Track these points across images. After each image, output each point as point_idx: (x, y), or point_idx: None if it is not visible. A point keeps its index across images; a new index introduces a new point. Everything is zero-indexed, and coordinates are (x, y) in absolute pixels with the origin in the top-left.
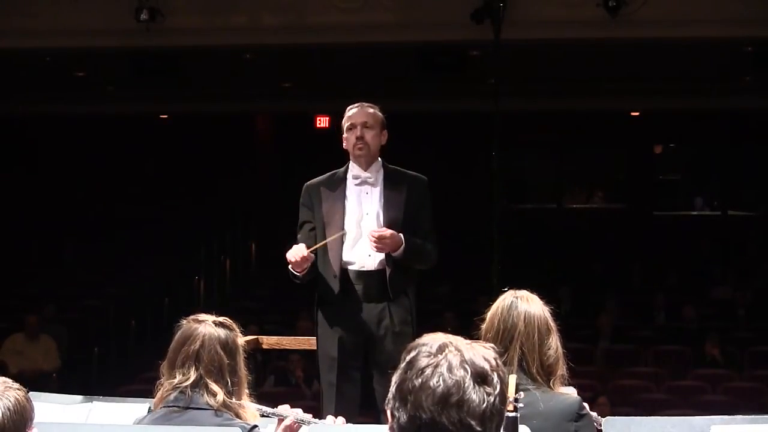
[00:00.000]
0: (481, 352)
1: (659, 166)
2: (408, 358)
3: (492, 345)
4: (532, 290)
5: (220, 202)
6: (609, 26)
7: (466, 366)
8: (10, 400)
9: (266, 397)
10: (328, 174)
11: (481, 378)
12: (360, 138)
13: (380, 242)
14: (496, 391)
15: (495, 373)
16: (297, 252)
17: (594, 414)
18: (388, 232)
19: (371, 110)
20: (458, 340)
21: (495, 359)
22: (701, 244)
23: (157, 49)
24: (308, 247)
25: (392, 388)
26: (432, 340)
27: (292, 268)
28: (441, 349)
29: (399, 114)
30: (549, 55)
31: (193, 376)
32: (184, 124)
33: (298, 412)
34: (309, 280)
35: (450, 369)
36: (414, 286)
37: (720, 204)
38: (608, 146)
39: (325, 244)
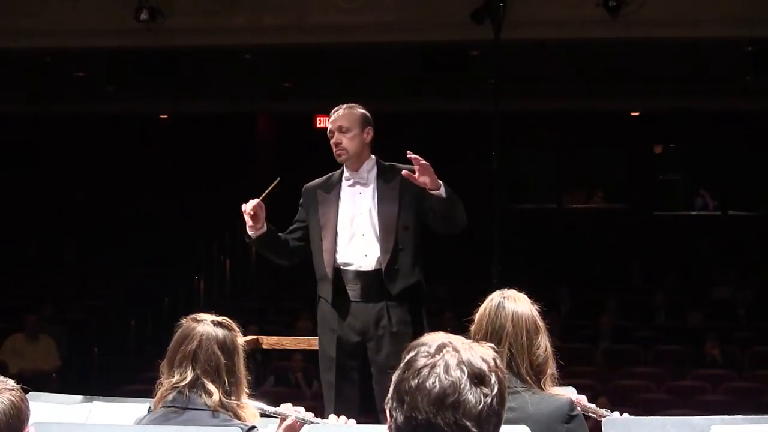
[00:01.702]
0: (480, 353)
1: (659, 166)
2: (407, 358)
3: (491, 345)
4: (532, 290)
5: (220, 202)
6: (609, 26)
7: (463, 367)
8: (4, 402)
9: (266, 396)
10: (326, 177)
11: (478, 379)
12: (337, 144)
13: (421, 164)
14: (494, 392)
15: (493, 374)
16: (250, 203)
17: (592, 406)
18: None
19: (346, 111)
20: (458, 341)
21: (494, 359)
22: (701, 244)
23: (157, 49)
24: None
25: (391, 388)
26: (432, 340)
27: (247, 227)
28: (439, 349)
29: (399, 114)
30: (549, 55)
31: (190, 375)
32: (184, 124)
33: (300, 411)
34: (269, 256)
35: (446, 370)
36: (420, 283)
37: (720, 204)
38: (608, 146)
39: (268, 194)
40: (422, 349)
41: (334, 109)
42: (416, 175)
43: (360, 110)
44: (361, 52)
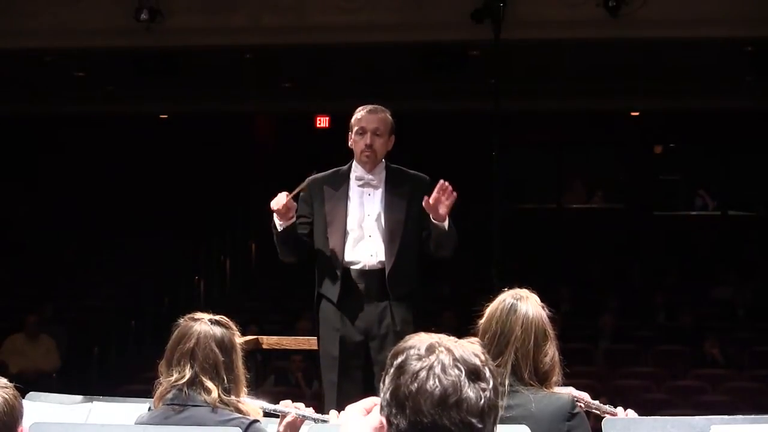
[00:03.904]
0: (470, 348)
1: (659, 166)
2: (397, 363)
3: (477, 339)
4: (532, 290)
5: (220, 202)
6: (609, 26)
7: (459, 364)
8: None
9: (266, 396)
10: (332, 171)
11: (474, 375)
12: (369, 146)
13: (448, 194)
14: (490, 386)
15: (486, 368)
16: (279, 200)
17: (596, 402)
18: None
19: (382, 115)
20: (444, 339)
21: (483, 353)
22: (701, 244)
23: (157, 49)
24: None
25: (385, 395)
26: (418, 342)
27: (277, 218)
28: (430, 350)
29: (399, 114)
30: (549, 55)
31: (188, 373)
32: (184, 124)
33: (300, 407)
34: (291, 258)
35: (444, 369)
36: (417, 286)
37: (720, 204)
38: (608, 146)
39: (299, 192)
40: (412, 352)
41: (367, 108)
42: (431, 202)
43: (390, 116)
44: (361, 52)
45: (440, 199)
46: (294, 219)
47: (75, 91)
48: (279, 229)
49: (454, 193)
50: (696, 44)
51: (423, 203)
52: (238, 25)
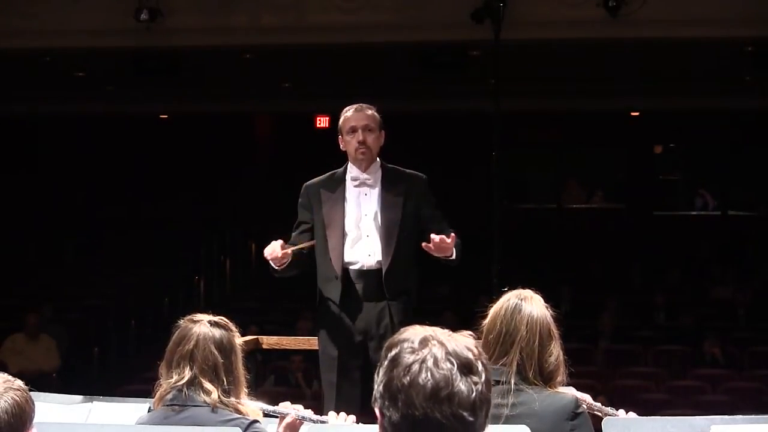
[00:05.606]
0: (463, 342)
1: (659, 166)
2: (390, 355)
3: (470, 332)
4: (535, 291)
5: (220, 202)
6: (609, 26)
7: (451, 358)
8: (7, 401)
9: (266, 396)
10: (328, 174)
11: (467, 368)
12: (362, 143)
13: (444, 244)
14: (482, 379)
15: (479, 361)
16: (272, 250)
17: (597, 404)
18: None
19: (370, 112)
20: (438, 332)
21: (476, 347)
22: (701, 244)
23: (157, 49)
24: (296, 246)
25: (379, 387)
26: (413, 335)
27: (271, 263)
28: (423, 343)
29: (398, 114)
30: (549, 55)
31: (187, 375)
32: (184, 124)
33: (299, 409)
34: (292, 275)
35: (436, 363)
36: (415, 285)
37: (720, 204)
38: (608, 146)
39: (302, 249)
40: (405, 345)
41: (353, 107)
42: (436, 251)
43: (376, 112)
44: (361, 52)
45: (443, 247)
46: (288, 260)
47: (75, 91)
48: (275, 274)
49: (453, 234)
50: (696, 44)
51: (425, 248)
52: (238, 25)
